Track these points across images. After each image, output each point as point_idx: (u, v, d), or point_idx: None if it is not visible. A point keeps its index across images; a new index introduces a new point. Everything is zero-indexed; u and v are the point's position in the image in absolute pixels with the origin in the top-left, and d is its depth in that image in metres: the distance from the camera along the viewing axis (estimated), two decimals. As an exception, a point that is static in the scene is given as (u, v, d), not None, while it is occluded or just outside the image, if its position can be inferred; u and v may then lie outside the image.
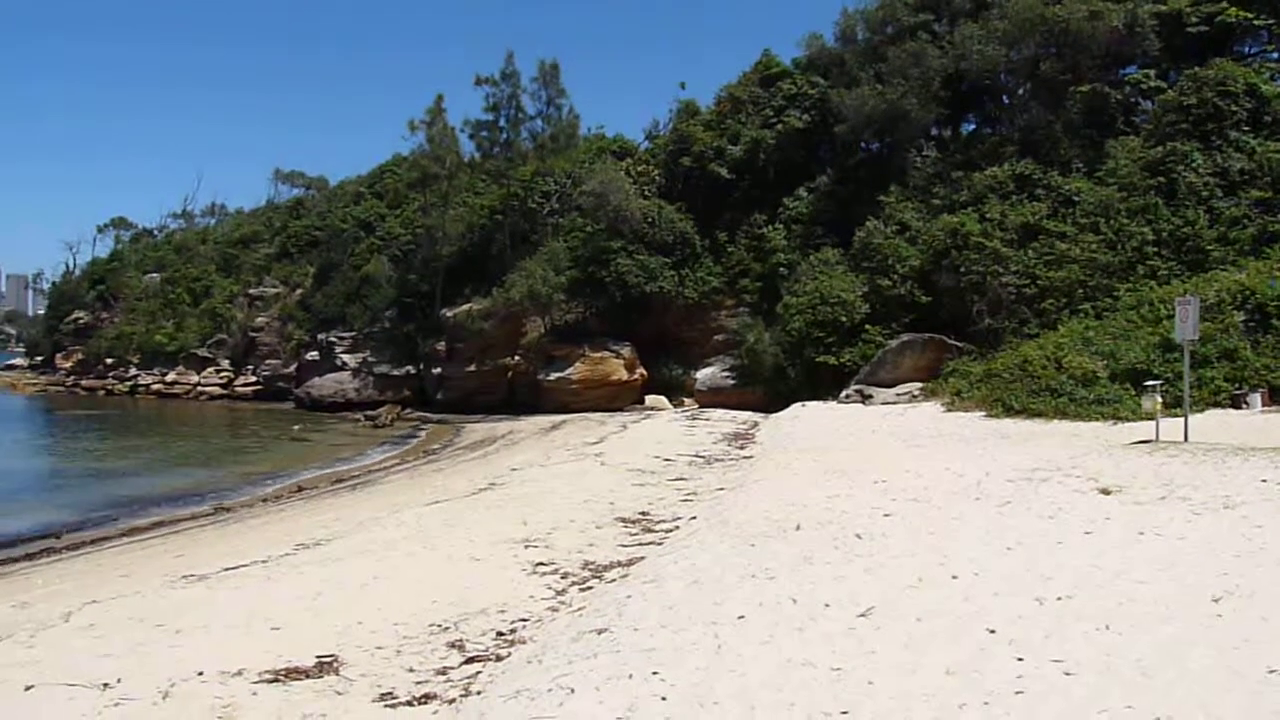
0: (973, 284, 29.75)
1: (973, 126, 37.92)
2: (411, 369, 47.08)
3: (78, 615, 10.08)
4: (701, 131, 41.70)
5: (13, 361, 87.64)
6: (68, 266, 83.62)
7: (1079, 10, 32.54)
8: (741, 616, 7.59)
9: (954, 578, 8.24)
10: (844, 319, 32.03)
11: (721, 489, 15.73)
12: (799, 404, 29.85)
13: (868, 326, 31.94)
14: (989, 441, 17.87)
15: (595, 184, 39.98)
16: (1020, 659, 6.36)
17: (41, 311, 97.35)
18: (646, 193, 40.96)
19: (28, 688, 7.38)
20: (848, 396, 29.62)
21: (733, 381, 37.05)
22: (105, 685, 7.32)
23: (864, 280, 32.75)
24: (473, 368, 43.38)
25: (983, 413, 22.62)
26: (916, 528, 10.34)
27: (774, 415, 29.14)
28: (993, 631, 6.90)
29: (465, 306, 43.61)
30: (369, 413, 44.55)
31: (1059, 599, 7.52)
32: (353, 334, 50.33)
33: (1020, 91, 35.54)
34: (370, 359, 49.00)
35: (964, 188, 33.06)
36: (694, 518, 13.13)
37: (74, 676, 7.56)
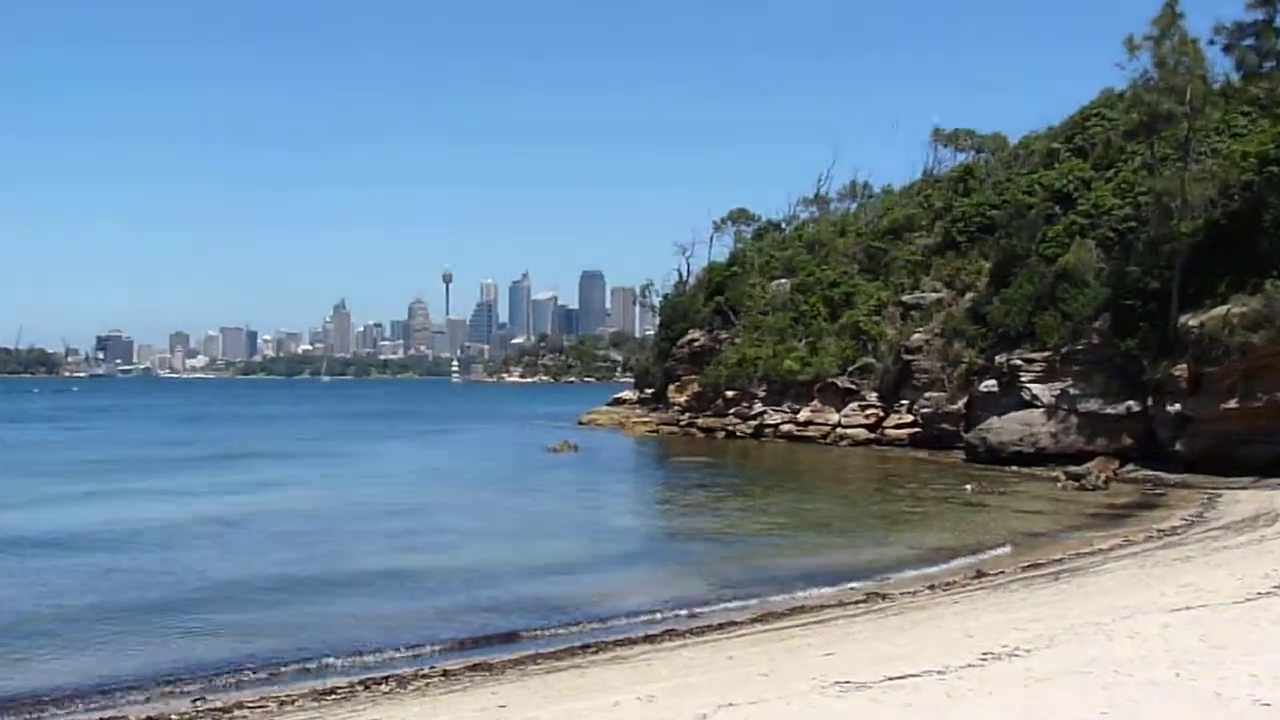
0: None
1: None
2: (1134, 405, 46.02)
3: (713, 718, 11.15)
4: None
5: (621, 395, 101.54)
6: (680, 275, 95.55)
7: None
8: None
9: None
10: None
11: None
12: None
13: None
14: None
15: None
16: None
17: (650, 331, 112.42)
18: None
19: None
20: None
21: None
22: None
23: None
24: (1233, 403, 41.11)
25: None
26: None
27: None
28: None
29: (1219, 310, 41.37)
30: (1071, 469, 45.08)
31: None
32: (1045, 354, 50.99)
33: None
34: (1072, 391, 49.13)
35: None
36: None
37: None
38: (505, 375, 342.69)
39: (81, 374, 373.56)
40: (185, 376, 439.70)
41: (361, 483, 48.58)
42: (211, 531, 33.03)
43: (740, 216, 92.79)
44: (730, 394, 75.36)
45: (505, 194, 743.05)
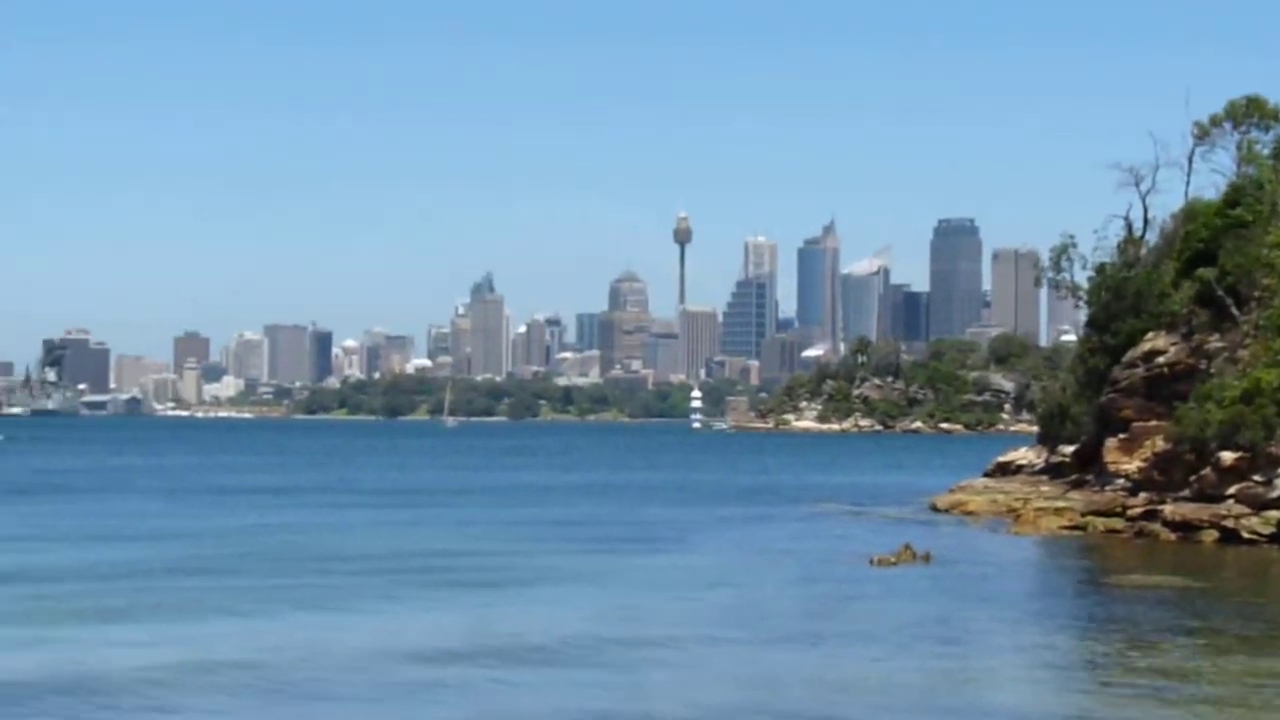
0: None
1: None
2: None
3: None
4: None
5: (1011, 457, 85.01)
6: (1128, 227, 75.62)
7: None
8: None
9: None
10: None
11: None
12: None
13: None
14: None
15: None
16: None
17: (1069, 335, 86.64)
18: None
19: None
20: None
21: None
22: None
23: None
24: None
25: None
26: None
27: None
28: None
29: None
30: None
31: None
32: None
33: None
34: None
35: None
36: None
37: None
38: (790, 416, 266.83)
39: (16, 409, 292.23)
40: (201, 415, 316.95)
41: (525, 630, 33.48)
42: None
43: (1251, 113, 70.48)
44: (1229, 457, 56.80)
45: (791, 91, 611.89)
